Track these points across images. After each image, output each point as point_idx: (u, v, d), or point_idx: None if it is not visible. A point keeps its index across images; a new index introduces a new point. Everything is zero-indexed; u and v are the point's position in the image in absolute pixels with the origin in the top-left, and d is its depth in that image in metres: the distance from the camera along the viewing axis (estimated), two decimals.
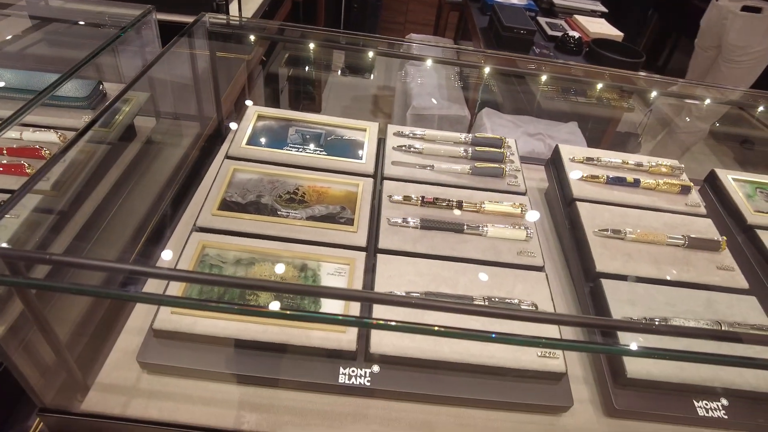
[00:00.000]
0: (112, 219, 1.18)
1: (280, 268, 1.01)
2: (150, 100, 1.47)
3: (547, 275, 1.10)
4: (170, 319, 0.91)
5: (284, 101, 3.52)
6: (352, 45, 1.64)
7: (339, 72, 4.59)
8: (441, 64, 3.42)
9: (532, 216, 1.22)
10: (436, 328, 0.74)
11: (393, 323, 0.77)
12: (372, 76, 4.64)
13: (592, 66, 2.95)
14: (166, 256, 1.11)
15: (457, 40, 4.48)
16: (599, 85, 3.09)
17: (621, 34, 3.21)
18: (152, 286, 1.04)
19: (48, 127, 1.24)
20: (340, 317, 0.90)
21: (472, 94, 3.27)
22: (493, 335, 0.74)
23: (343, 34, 1.62)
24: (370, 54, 1.60)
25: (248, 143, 1.28)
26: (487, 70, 1.76)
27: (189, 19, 1.38)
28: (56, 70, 1.22)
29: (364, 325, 0.95)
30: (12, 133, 1.19)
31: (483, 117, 2.99)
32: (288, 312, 0.89)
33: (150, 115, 1.49)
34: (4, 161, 1.13)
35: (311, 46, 1.59)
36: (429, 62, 3.44)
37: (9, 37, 1.78)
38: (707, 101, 1.90)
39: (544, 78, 3.03)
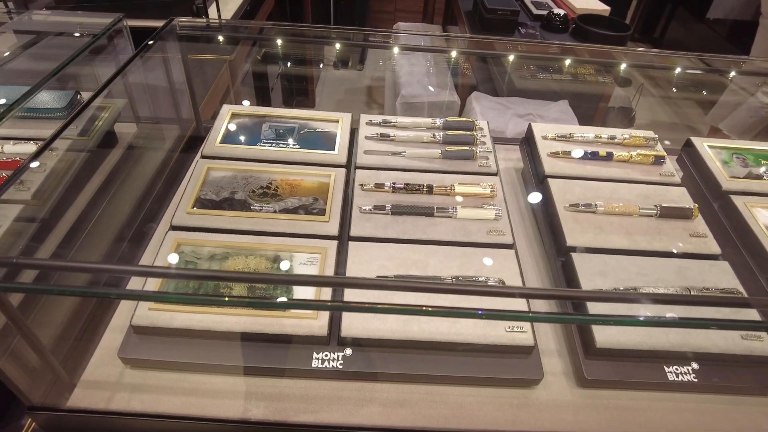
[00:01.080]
0: (94, 224, 1.21)
1: (253, 261, 1.04)
2: (129, 107, 1.50)
3: (517, 252, 1.12)
4: (148, 315, 0.94)
5: (276, 99, 3.55)
6: (340, 39, 1.66)
7: (330, 66, 4.61)
8: (429, 53, 3.42)
9: (502, 196, 1.24)
10: (425, 308, 0.77)
11: (379, 306, 0.81)
12: (363, 68, 4.65)
13: (577, 44, 2.94)
14: (146, 256, 1.14)
15: (446, 25, 4.46)
16: (588, 62, 3.08)
17: (608, 8, 3.18)
18: (134, 285, 1.08)
19: (28, 139, 1.27)
20: (329, 303, 0.93)
21: (461, 79, 3.27)
22: (480, 311, 0.77)
23: (329, 29, 1.64)
24: (358, 47, 1.61)
25: (222, 142, 1.31)
26: (472, 54, 1.77)
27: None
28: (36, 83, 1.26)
29: (341, 308, 0.98)
30: None
31: (472, 101, 3.00)
32: (268, 301, 0.92)
33: (131, 122, 1.53)
34: None
35: (295, 42, 1.61)
36: (416, 51, 3.44)
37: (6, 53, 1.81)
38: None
39: (530, 58, 3.02)
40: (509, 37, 2.94)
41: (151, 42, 1.27)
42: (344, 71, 4.65)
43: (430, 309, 0.85)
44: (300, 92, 3.97)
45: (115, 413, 0.90)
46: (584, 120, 2.89)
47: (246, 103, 1.46)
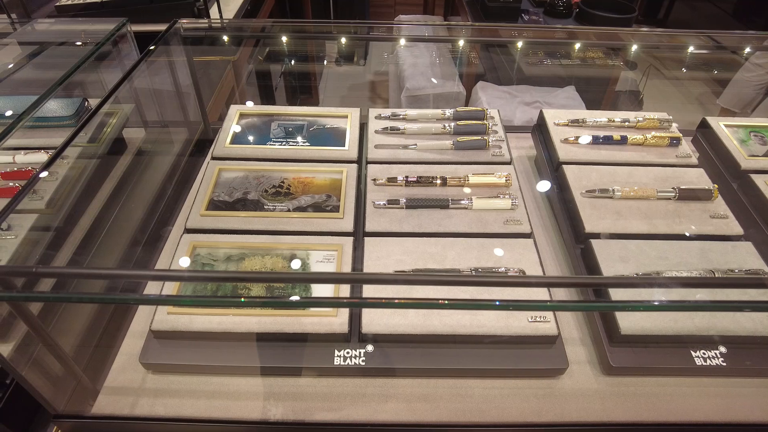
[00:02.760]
0: (108, 230, 1.21)
1: (269, 261, 1.03)
2: (136, 112, 1.50)
3: (535, 241, 1.10)
4: (167, 319, 0.94)
5: (280, 98, 3.54)
6: (341, 33, 1.65)
7: (333, 62, 4.59)
8: (432, 44, 3.39)
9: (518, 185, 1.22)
10: (441, 301, 0.76)
11: (398, 302, 0.80)
12: (365, 63, 4.62)
13: (582, 27, 2.90)
14: (161, 260, 1.14)
15: (447, 16, 4.42)
16: (594, 45, 3.03)
17: None
18: (151, 290, 1.08)
19: (38, 148, 1.27)
20: (348, 300, 0.93)
21: (465, 69, 3.24)
22: (498, 302, 0.76)
23: (330, 23, 1.63)
24: (360, 40, 1.60)
25: (232, 142, 1.30)
26: (476, 42, 1.75)
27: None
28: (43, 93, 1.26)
29: (361, 305, 0.97)
30: (4, 158, 1.23)
31: (478, 91, 2.97)
32: (285, 300, 0.92)
33: (139, 126, 1.53)
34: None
35: (298, 39, 1.60)
36: (419, 43, 3.41)
37: (10, 66, 1.82)
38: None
39: (535, 45, 2.99)
40: (513, 24, 2.90)
41: (155, 45, 1.27)
42: (347, 67, 4.63)
43: (448, 302, 0.84)
44: (303, 90, 3.96)
45: (140, 418, 0.90)
46: (592, 105, 2.85)
47: (250, 103, 1.44)
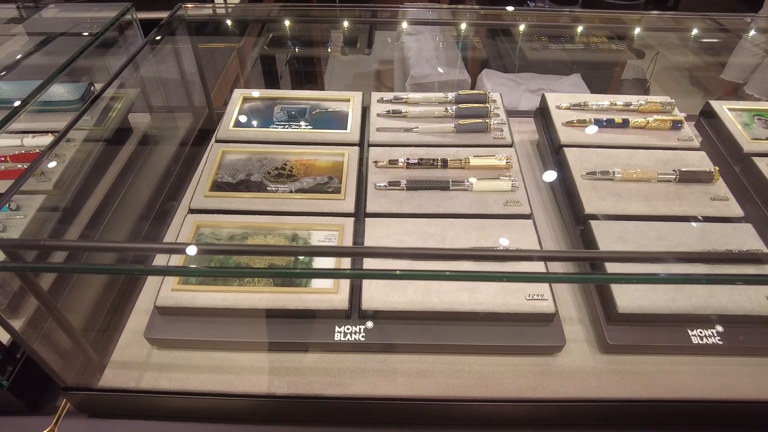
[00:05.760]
0: (115, 211, 1.23)
1: (272, 240, 1.05)
2: (142, 97, 1.51)
3: (535, 222, 1.11)
4: (171, 295, 0.96)
5: (285, 85, 3.54)
6: (347, 18, 1.65)
7: (338, 49, 4.58)
8: (437, 32, 3.38)
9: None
10: (448, 272, 0.78)
11: (400, 272, 0.81)
12: (371, 51, 4.61)
13: (588, 10, 2.88)
14: (166, 239, 1.16)
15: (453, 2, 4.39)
16: (600, 28, 3.00)
17: None
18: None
19: (46, 132, 1.30)
20: (351, 271, 0.95)
21: (470, 56, 3.23)
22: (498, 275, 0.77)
23: (336, 7, 1.63)
24: (365, 23, 1.60)
25: (235, 126, 1.32)
26: (481, 26, 1.74)
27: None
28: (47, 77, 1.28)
29: (363, 276, 0.99)
30: (13, 141, 1.26)
31: (483, 79, 2.96)
32: (290, 270, 0.93)
33: (144, 111, 1.55)
34: (5, 167, 1.20)
35: (302, 23, 1.60)
36: (424, 31, 3.40)
37: (19, 56, 1.84)
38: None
39: (540, 30, 2.97)
40: (520, 8, 2.88)
41: (159, 29, 1.28)
42: (352, 56, 4.61)
43: (449, 273, 0.86)
44: (309, 78, 3.96)
45: (145, 391, 0.93)
46: (598, 93, 2.84)
47: (256, 93, 1.46)
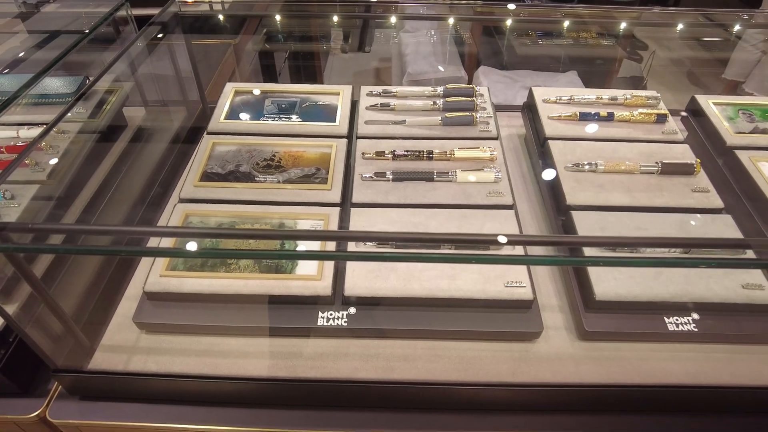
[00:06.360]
0: (107, 202, 1.26)
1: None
2: (137, 91, 1.54)
3: (517, 212, 1.13)
4: (159, 281, 0.99)
5: (284, 81, 3.57)
6: (344, 14, 1.66)
7: (338, 50, 4.60)
8: (435, 30, 3.40)
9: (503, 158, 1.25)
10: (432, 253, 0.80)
11: (382, 254, 0.84)
12: (370, 49, 4.63)
13: (587, 6, 2.89)
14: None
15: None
16: (596, 29, 3.02)
17: None
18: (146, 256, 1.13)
19: (42, 124, 1.32)
20: (334, 253, 0.99)
21: (467, 53, 3.25)
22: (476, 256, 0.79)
23: (335, 3, 1.65)
24: (364, 25, 1.63)
25: (226, 118, 1.34)
26: (477, 21, 1.75)
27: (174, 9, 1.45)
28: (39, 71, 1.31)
29: (346, 257, 1.02)
30: (9, 133, 1.29)
31: (479, 76, 2.98)
32: (277, 251, 0.96)
33: (139, 106, 1.57)
34: (1, 158, 1.23)
35: (299, 18, 1.62)
36: (421, 27, 3.41)
37: (22, 53, 1.87)
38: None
39: (536, 27, 2.98)
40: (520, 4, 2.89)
41: (153, 23, 1.30)
42: (352, 54, 4.63)
43: (429, 255, 0.88)
44: (308, 75, 3.98)
45: (133, 374, 0.95)
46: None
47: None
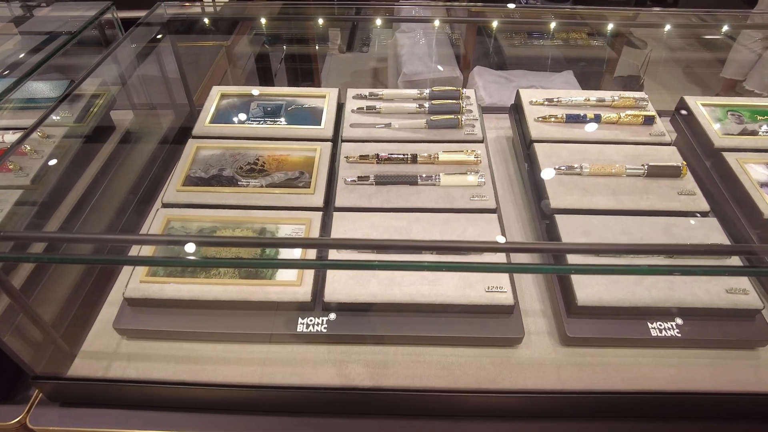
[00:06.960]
0: (93, 206, 1.26)
1: (240, 234, 1.07)
2: (124, 95, 1.54)
3: (500, 216, 1.12)
4: (139, 287, 0.99)
5: (280, 83, 3.56)
6: (340, 16, 1.66)
7: (335, 50, 4.60)
8: (430, 30, 3.39)
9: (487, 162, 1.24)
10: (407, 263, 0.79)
11: (362, 262, 0.84)
12: (368, 50, 4.63)
13: (583, 6, 2.87)
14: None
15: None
16: (592, 29, 3.00)
17: None
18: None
19: (27, 128, 1.32)
20: (315, 262, 0.98)
21: (463, 53, 3.24)
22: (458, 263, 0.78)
23: (332, 5, 1.64)
24: (360, 25, 1.62)
25: (211, 122, 1.34)
26: (472, 23, 1.75)
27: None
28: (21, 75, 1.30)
29: (327, 266, 1.01)
30: None
31: (474, 76, 2.97)
32: (257, 260, 0.96)
33: (127, 109, 1.57)
34: None
35: (298, 23, 1.62)
36: (417, 28, 3.41)
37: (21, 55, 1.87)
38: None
39: (533, 28, 2.97)
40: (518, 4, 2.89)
41: (138, 26, 1.30)
42: (349, 54, 4.63)
43: (409, 264, 0.88)
44: (305, 76, 3.97)
45: (113, 380, 0.95)
46: (589, 90, 2.84)
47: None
